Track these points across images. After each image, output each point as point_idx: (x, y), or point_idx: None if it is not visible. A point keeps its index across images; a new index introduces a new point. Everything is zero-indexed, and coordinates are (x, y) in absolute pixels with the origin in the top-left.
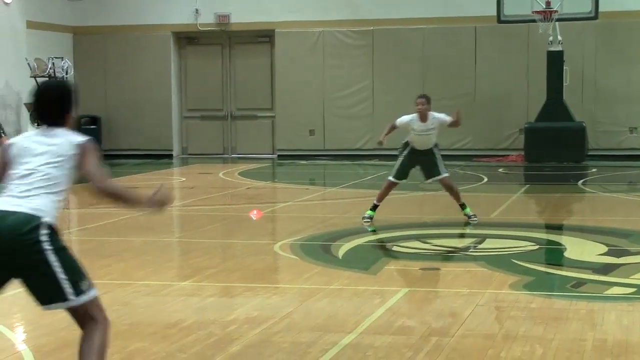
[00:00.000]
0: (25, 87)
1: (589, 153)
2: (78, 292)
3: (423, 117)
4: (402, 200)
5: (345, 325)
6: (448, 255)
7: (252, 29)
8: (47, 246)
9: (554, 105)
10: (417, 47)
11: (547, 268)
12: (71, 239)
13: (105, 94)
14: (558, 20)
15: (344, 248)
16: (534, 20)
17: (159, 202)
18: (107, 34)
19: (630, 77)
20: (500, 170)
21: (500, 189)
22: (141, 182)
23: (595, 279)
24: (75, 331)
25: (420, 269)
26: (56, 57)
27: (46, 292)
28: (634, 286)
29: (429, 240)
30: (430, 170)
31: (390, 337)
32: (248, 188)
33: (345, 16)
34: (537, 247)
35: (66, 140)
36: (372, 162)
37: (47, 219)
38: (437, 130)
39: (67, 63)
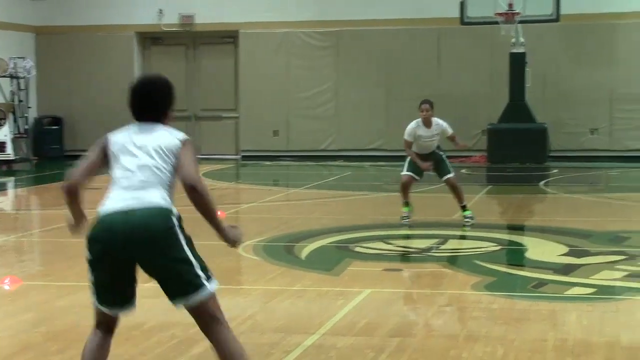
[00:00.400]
0: None
1: (551, 154)
2: (208, 277)
3: (428, 123)
4: (366, 201)
5: (309, 326)
6: (411, 256)
7: (217, 30)
8: (178, 230)
9: (517, 107)
10: (382, 48)
11: (508, 269)
12: (33, 241)
13: (69, 95)
14: (520, 22)
15: (307, 249)
16: (497, 22)
17: (232, 239)
18: (70, 33)
19: (591, 78)
20: (463, 170)
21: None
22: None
23: (556, 279)
24: (37, 333)
25: (383, 269)
26: (18, 57)
27: (184, 282)
28: (594, 286)
29: (391, 241)
30: (439, 169)
31: (353, 338)
32: (212, 189)
33: (310, 17)
34: (499, 247)
35: (170, 135)
36: (336, 162)
37: (172, 209)
38: (440, 137)
39: (30, 63)
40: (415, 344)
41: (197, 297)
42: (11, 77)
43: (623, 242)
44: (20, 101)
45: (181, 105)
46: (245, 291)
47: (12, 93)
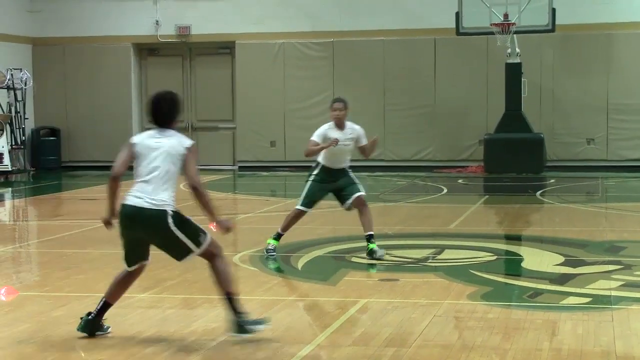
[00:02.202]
0: None
1: (547, 164)
2: (198, 244)
3: (340, 125)
4: None
5: (304, 336)
6: (407, 266)
7: (213, 41)
8: (173, 227)
9: (513, 117)
10: (378, 59)
11: (504, 278)
12: (30, 251)
13: (65, 106)
14: (516, 32)
15: (303, 259)
16: (492, 33)
17: (225, 227)
18: (66, 45)
19: (588, 88)
20: (460, 181)
21: (459, 200)
22: (101, 193)
23: (552, 289)
24: (33, 344)
25: (379, 279)
26: (15, 69)
27: (179, 252)
28: (589, 296)
29: (388, 251)
30: (347, 189)
31: (349, 348)
32: None
33: (306, 28)
34: (495, 257)
35: (178, 141)
36: None
37: (169, 208)
38: (353, 145)
39: (26, 74)
40: (410, 354)
41: (189, 258)
42: (8, 88)
43: (619, 252)
44: (17, 112)
45: None
46: (241, 301)
47: (9, 104)
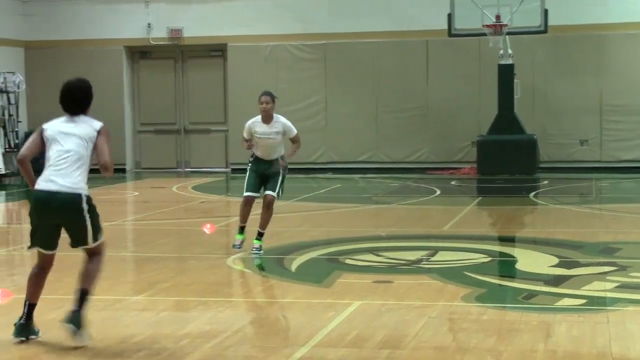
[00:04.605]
0: None
1: (541, 165)
2: (95, 239)
3: (267, 118)
4: (355, 213)
5: (298, 338)
6: (401, 268)
7: (205, 43)
8: (85, 212)
9: (506, 118)
10: (370, 61)
11: (499, 280)
12: (24, 254)
13: (59, 108)
14: (508, 33)
15: (297, 261)
16: (484, 34)
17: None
18: (59, 48)
19: (580, 89)
20: (453, 182)
21: (453, 202)
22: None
23: (546, 290)
24: (29, 346)
25: (373, 281)
26: (8, 72)
27: (78, 239)
28: (584, 297)
29: (381, 253)
30: (268, 184)
31: (343, 349)
32: (202, 202)
33: (297, 30)
34: (489, 259)
35: (90, 125)
36: (325, 175)
37: (83, 192)
38: (282, 138)
39: (19, 77)
40: (405, 356)
41: (80, 248)
42: (1, 91)
43: (614, 253)
44: (10, 115)
45: (170, 118)
46: (234, 303)
47: (2, 107)
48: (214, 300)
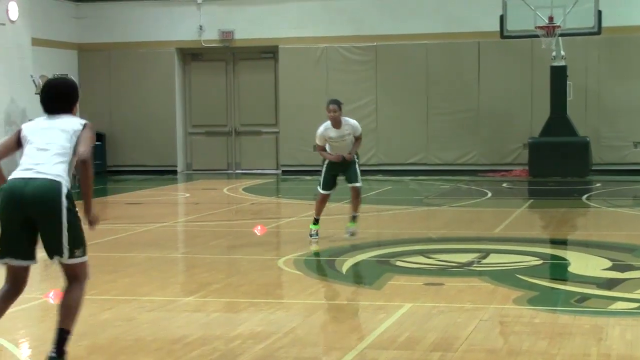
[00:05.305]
0: (30, 104)
1: (593, 168)
2: (72, 254)
3: (337, 124)
4: (406, 215)
5: (349, 340)
6: (452, 270)
7: (256, 45)
8: (64, 207)
9: (558, 120)
10: (421, 63)
11: (551, 283)
12: None
13: (110, 111)
14: (561, 35)
15: (347, 263)
16: (537, 36)
17: (91, 219)
18: (111, 50)
19: (634, 91)
20: (505, 185)
21: (504, 204)
22: (146, 197)
23: (599, 293)
24: (81, 347)
25: (423, 284)
26: (61, 74)
27: (52, 247)
28: (637, 301)
29: (432, 255)
30: (350, 177)
31: (394, 352)
32: (252, 203)
33: (349, 32)
34: (541, 262)
35: (73, 120)
36: (376, 177)
37: (64, 183)
38: (352, 137)
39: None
40: (456, 359)
41: (55, 261)
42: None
43: None
44: None
45: (221, 120)
46: (286, 305)
47: None
48: (265, 301)
